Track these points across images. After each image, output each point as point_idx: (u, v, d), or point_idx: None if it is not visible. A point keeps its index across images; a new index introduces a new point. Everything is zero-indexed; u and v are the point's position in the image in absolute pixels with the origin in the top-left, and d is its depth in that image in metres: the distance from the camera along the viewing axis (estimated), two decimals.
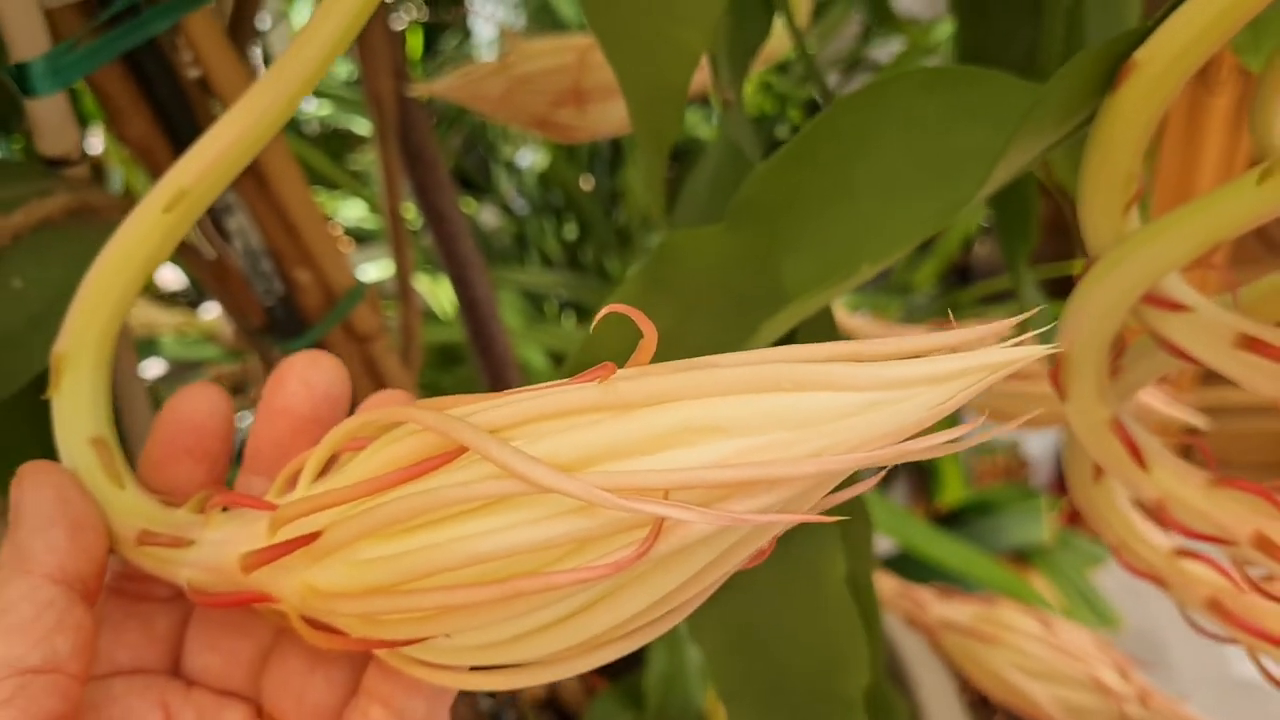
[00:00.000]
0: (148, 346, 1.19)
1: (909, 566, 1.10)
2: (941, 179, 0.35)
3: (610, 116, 0.76)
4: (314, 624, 0.28)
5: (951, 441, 0.22)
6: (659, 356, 0.30)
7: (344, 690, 0.32)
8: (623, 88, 0.41)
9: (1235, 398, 1.54)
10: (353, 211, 1.60)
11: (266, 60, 1.78)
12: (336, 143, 1.77)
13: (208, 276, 0.67)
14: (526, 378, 0.98)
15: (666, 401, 0.24)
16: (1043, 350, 0.23)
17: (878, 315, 0.99)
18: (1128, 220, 0.35)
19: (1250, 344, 0.33)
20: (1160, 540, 0.42)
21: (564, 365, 0.38)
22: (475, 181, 1.82)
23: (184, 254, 0.64)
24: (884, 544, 1.26)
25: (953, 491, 1.45)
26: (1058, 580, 1.27)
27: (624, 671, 1.11)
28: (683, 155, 1.68)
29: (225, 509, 0.31)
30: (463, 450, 0.25)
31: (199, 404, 0.34)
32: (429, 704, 0.31)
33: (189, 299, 1.72)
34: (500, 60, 0.73)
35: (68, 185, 0.53)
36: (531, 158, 1.60)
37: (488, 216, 1.82)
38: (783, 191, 0.38)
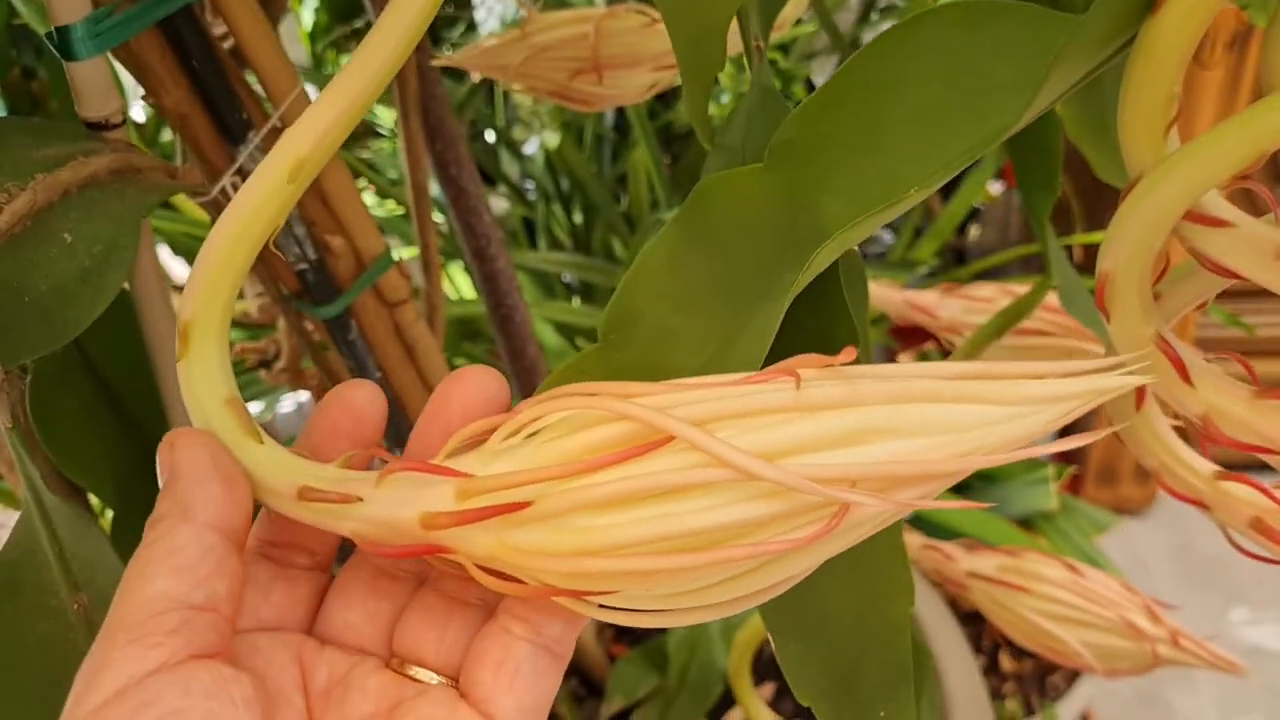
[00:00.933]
0: None
1: (919, 530, 1.12)
2: (981, 109, 0.36)
3: (627, 85, 0.78)
4: (490, 573, 0.31)
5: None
6: (698, 297, 0.36)
7: (481, 622, 0.35)
8: (669, 28, 0.43)
9: None
10: (367, 199, 1.61)
11: None
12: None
13: None
14: (541, 351, 1.00)
15: (848, 406, 0.29)
16: (1137, 381, 0.30)
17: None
18: (1168, 141, 0.36)
19: None
20: (1202, 464, 0.42)
21: (602, 322, 0.39)
22: (483, 167, 1.84)
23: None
24: None
25: None
26: (1063, 546, 1.29)
27: (646, 637, 1.13)
28: (681, 138, 1.70)
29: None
30: (668, 439, 0.29)
31: (361, 394, 0.37)
32: (565, 626, 0.34)
33: None
34: (520, 30, 0.75)
35: (112, 147, 0.54)
36: (538, 144, 1.61)
37: (496, 202, 1.84)
38: (821, 130, 0.39)
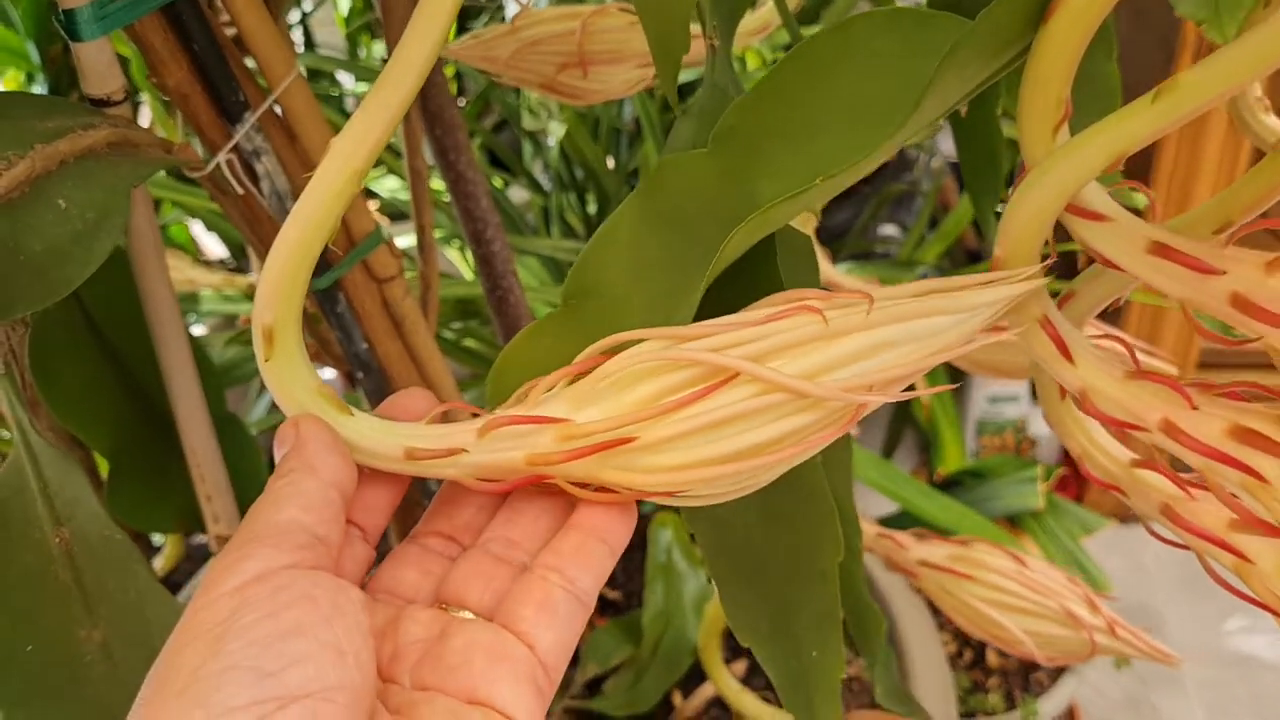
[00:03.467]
0: (190, 300, 1.26)
1: (905, 526, 1.15)
2: (900, 105, 0.40)
3: (611, 80, 0.82)
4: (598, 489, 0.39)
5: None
6: (654, 265, 0.43)
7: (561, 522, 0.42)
8: (642, 19, 0.48)
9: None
10: (388, 183, 1.66)
11: (308, 39, 1.85)
12: None
13: (239, 217, 0.73)
14: None
15: (858, 331, 0.36)
16: (1036, 284, 0.38)
17: (884, 283, 1.03)
18: (1057, 139, 0.39)
19: (1160, 250, 0.36)
20: (1119, 451, 0.44)
21: (565, 284, 0.44)
22: (507, 160, 1.88)
23: (220, 194, 0.70)
24: (885, 506, 1.31)
25: (952, 461, 1.49)
26: (1049, 544, 1.31)
27: (624, 610, 1.17)
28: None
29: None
30: (731, 375, 0.36)
31: (417, 403, 0.44)
32: (593, 580, 0.41)
33: (229, 267, 1.79)
34: (510, 24, 0.79)
35: (110, 122, 0.59)
36: (555, 135, 1.65)
37: (517, 192, 1.88)
38: (758, 119, 0.44)
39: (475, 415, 0.41)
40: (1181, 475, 0.41)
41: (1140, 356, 0.87)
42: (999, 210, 0.67)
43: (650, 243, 0.45)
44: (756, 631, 0.50)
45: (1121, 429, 0.40)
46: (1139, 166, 1.58)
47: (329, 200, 0.40)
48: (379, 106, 0.41)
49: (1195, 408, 0.36)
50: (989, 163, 0.65)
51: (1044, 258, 0.41)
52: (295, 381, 0.40)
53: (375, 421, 0.41)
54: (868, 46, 0.43)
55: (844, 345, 0.36)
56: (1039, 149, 0.39)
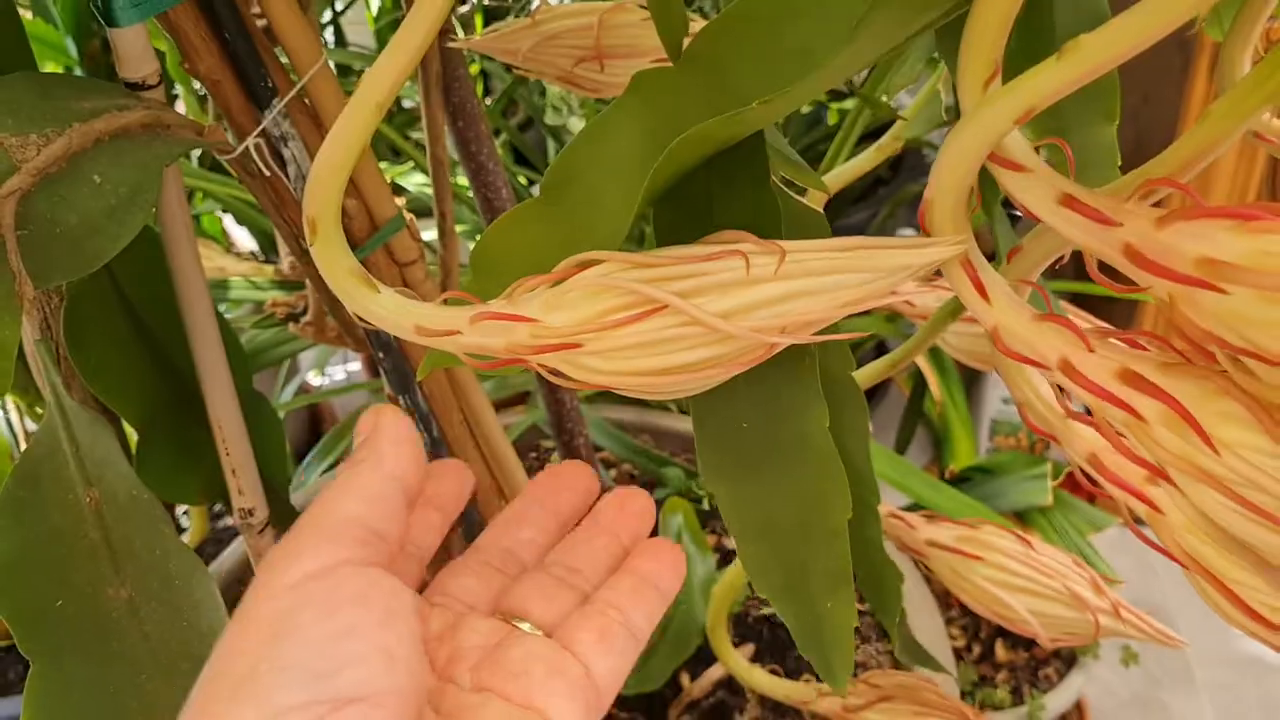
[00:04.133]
0: (220, 287, 1.29)
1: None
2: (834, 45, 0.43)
3: (627, 74, 0.83)
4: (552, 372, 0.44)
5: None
6: (625, 167, 0.48)
7: (580, 603, 0.45)
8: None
9: None
10: (416, 178, 1.69)
11: (339, 37, 1.89)
12: (402, 117, 1.86)
13: (266, 199, 0.76)
14: None
15: (779, 279, 0.41)
16: (954, 251, 0.41)
17: None
18: (986, 94, 0.42)
19: (1068, 201, 0.39)
20: (1057, 404, 0.46)
21: (545, 176, 0.49)
22: (532, 158, 1.91)
23: (248, 177, 0.73)
24: (895, 499, 1.32)
25: (963, 457, 1.51)
26: (1057, 541, 1.32)
27: None
28: None
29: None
30: (662, 306, 0.41)
31: None
32: (647, 618, 0.45)
33: (258, 259, 1.83)
34: (530, 17, 0.81)
35: (145, 104, 0.62)
36: (577, 129, 1.68)
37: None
38: (720, 47, 0.48)
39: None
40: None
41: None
42: (1011, 210, 0.69)
43: (624, 142, 0.49)
44: (773, 584, 0.53)
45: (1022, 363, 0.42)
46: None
47: (358, 124, 0.48)
48: (398, 48, 0.47)
49: (1091, 350, 0.38)
50: None
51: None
52: (335, 261, 0.47)
53: (398, 299, 0.46)
54: None
55: (764, 290, 0.41)
56: (970, 102, 0.42)
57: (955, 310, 0.73)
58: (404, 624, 0.36)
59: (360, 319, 0.48)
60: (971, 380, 1.66)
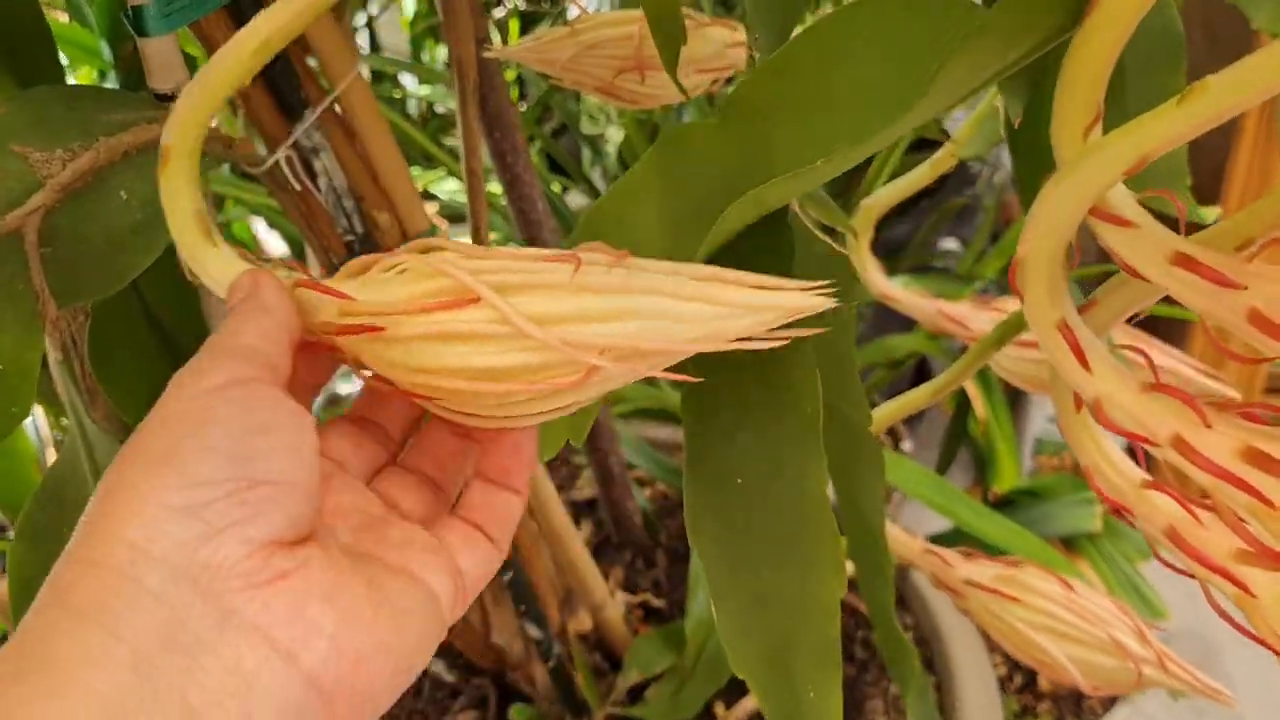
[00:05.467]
0: None
1: (958, 544, 1.13)
2: (899, 94, 0.40)
3: (667, 85, 0.81)
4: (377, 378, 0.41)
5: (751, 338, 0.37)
6: (661, 227, 0.44)
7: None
8: (645, 10, 0.50)
9: None
10: (448, 185, 1.67)
11: (373, 42, 1.87)
12: (436, 123, 1.85)
13: (296, 213, 0.74)
14: None
15: (614, 293, 0.37)
16: (827, 303, 0.37)
17: (943, 297, 1.02)
18: (1087, 143, 0.38)
19: (1184, 261, 0.35)
20: (1131, 470, 0.43)
21: (572, 233, 0.45)
22: (566, 166, 1.89)
23: (279, 190, 0.71)
24: (937, 523, 1.29)
25: (1007, 479, 1.47)
26: (1106, 568, 1.29)
27: (668, 618, 1.17)
28: None
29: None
30: (475, 297, 0.37)
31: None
32: (504, 527, 0.44)
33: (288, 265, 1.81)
34: (570, 27, 0.79)
35: None
36: (613, 140, 1.66)
37: (575, 199, 1.89)
38: (769, 93, 0.44)
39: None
40: (1190, 501, 0.40)
41: (1203, 380, 0.85)
42: None
43: (657, 205, 0.46)
44: (750, 660, 0.49)
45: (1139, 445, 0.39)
46: (1209, 188, 1.56)
47: (235, 64, 0.43)
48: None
49: (1209, 426, 0.35)
50: (1045, 175, 0.64)
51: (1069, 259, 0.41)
52: (178, 198, 0.44)
53: (230, 257, 0.44)
54: (878, 29, 0.43)
55: (591, 301, 0.37)
56: (1069, 150, 0.39)
57: (1005, 335, 0.70)
58: (308, 434, 0.37)
59: (190, 272, 0.45)
60: (1015, 397, 1.62)
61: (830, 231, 0.59)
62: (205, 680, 0.32)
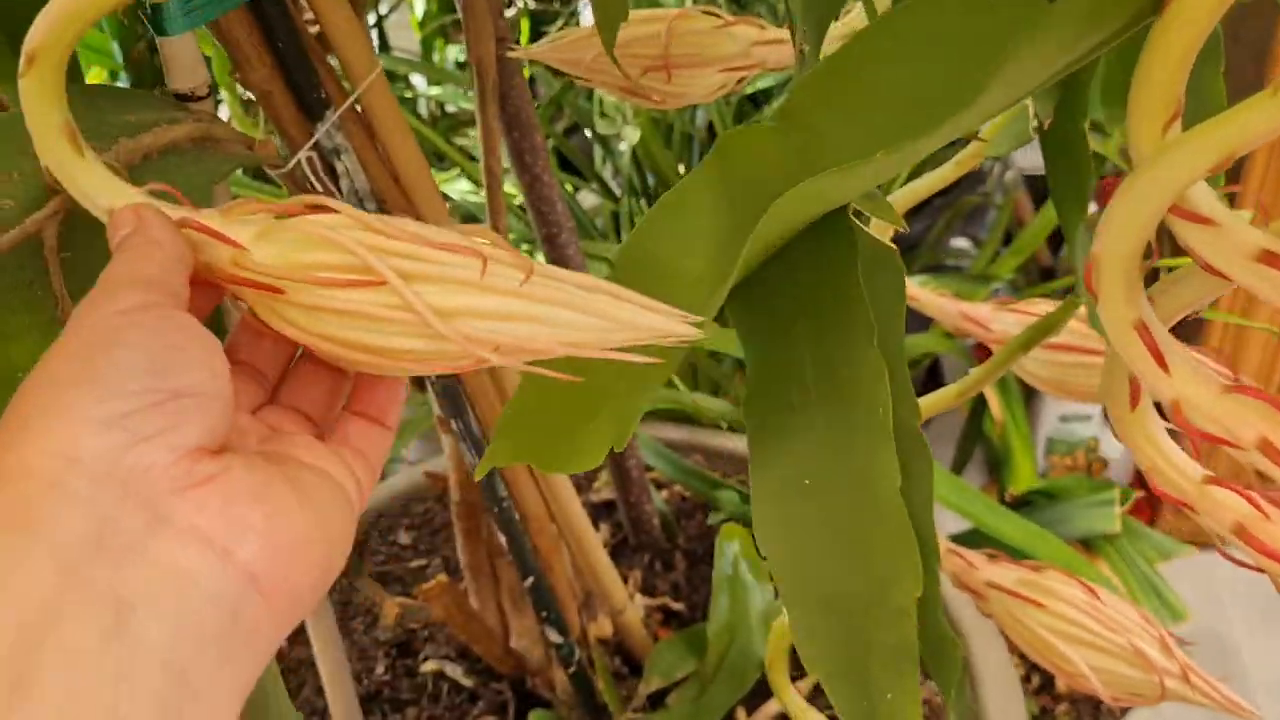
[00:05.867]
0: None
1: (977, 544, 1.12)
2: (963, 90, 0.38)
3: (695, 85, 0.80)
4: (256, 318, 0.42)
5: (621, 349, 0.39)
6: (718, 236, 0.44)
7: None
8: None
9: None
10: (460, 185, 1.66)
11: (383, 42, 1.86)
12: (446, 123, 1.84)
13: None
14: None
15: (513, 295, 0.38)
16: (694, 333, 0.39)
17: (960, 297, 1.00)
18: (1167, 139, 0.37)
19: (1270, 259, 0.34)
20: (1191, 467, 0.42)
21: (620, 250, 0.45)
22: (578, 164, 1.88)
23: (299, 192, 0.70)
24: (954, 523, 1.28)
25: (1023, 479, 1.46)
26: (1125, 569, 1.27)
27: (689, 622, 1.15)
28: None
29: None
30: (381, 280, 0.38)
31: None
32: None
33: None
34: (594, 26, 0.78)
35: (194, 117, 0.59)
36: (629, 140, 1.65)
37: (587, 198, 1.88)
38: (824, 96, 0.43)
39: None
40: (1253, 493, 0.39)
41: (1223, 380, 0.83)
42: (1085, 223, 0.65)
43: (710, 215, 0.46)
44: (826, 662, 0.48)
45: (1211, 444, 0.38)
46: (1226, 177, 1.54)
47: None
48: None
49: None
50: (1075, 174, 0.63)
51: (1147, 257, 0.39)
52: (42, 108, 0.43)
53: (105, 175, 0.43)
54: (939, 26, 0.42)
55: (494, 301, 0.38)
56: (1148, 147, 0.37)
57: (1034, 339, 0.69)
58: (220, 356, 0.38)
59: (55, 185, 0.44)
60: (1029, 396, 1.61)
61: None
62: (139, 577, 0.33)
